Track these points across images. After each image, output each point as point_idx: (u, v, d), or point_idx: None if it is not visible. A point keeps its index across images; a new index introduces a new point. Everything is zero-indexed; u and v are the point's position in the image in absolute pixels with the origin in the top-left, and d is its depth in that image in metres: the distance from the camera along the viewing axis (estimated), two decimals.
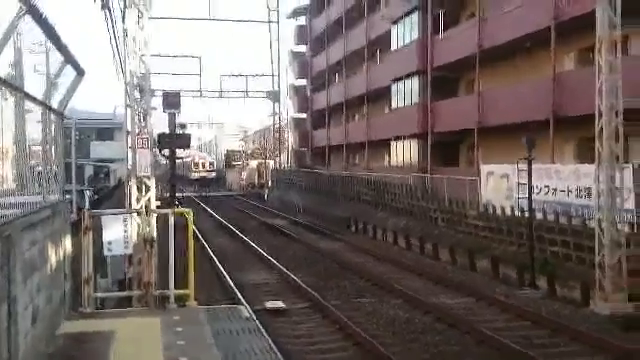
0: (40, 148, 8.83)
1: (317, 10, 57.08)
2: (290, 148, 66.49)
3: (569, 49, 24.71)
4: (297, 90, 63.45)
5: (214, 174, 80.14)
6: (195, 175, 76.72)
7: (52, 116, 9.09)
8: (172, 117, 13.82)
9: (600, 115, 13.92)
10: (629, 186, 15.40)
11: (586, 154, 22.11)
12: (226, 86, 49.04)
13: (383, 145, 40.94)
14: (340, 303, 14.70)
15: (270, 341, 9.00)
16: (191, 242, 10.96)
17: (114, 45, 14.58)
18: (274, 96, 52.37)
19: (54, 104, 9.29)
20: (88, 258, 10.23)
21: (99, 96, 70.23)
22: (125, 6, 14.15)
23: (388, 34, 38.86)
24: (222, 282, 17.60)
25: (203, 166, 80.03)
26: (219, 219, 35.29)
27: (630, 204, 15.49)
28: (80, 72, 9.34)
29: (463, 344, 11.78)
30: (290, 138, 66.93)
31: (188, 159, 76.25)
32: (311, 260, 21.55)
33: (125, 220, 10.51)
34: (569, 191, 18.25)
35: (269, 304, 14.47)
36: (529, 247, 16.99)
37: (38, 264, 7.53)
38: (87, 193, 29.08)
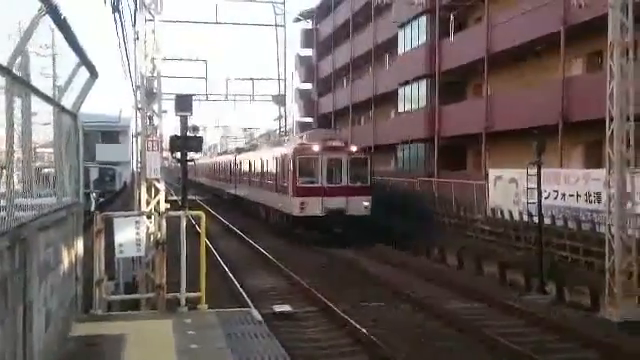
0: (54, 149, 8.81)
1: (324, 14, 57.17)
2: None
3: (577, 54, 24.67)
4: (303, 94, 63.47)
5: (368, 206, 26.01)
6: (305, 210, 25.69)
7: (67, 118, 9.09)
8: (184, 120, 13.86)
9: (611, 120, 13.86)
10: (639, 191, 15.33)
11: (594, 159, 22.08)
12: (232, 89, 49.04)
13: (390, 149, 40.91)
14: (348, 308, 14.61)
15: (279, 345, 8.95)
16: (203, 245, 10.92)
17: (123, 48, 14.59)
18: (280, 100, 52.30)
19: (67, 105, 9.28)
20: (100, 260, 10.22)
21: (103, 98, 69.30)
22: (136, 9, 14.15)
23: (395, 38, 38.85)
24: (232, 289, 17.53)
25: (331, 174, 26.37)
26: (225, 222, 35.33)
27: None
28: (94, 74, 9.33)
29: (472, 349, 11.74)
30: None
31: (254, 154, 38.20)
32: (315, 259, 21.64)
33: (137, 222, 10.49)
34: (578, 196, 18.16)
35: (277, 307, 14.44)
36: (538, 252, 16.91)
37: (52, 266, 7.52)
38: (93, 196, 29.12)
